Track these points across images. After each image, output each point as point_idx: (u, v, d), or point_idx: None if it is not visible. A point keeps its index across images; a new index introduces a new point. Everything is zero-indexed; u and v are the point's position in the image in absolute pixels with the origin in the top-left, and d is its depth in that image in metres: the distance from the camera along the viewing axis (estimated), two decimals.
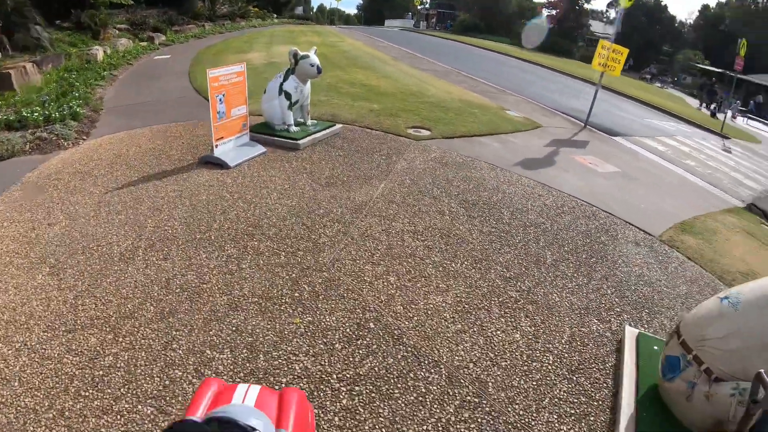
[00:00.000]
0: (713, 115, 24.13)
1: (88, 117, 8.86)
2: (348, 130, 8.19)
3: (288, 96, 7.19)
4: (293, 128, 7.40)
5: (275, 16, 37.85)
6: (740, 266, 5.61)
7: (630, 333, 3.86)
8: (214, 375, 3.12)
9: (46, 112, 8.12)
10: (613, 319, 4.18)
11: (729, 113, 23.89)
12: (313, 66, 7.00)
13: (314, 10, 62.65)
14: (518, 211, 5.94)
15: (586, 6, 52.02)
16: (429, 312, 3.93)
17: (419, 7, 60.85)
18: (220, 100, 6.39)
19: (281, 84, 7.20)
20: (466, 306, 4.06)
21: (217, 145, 6.49)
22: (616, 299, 4.48)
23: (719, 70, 39.84)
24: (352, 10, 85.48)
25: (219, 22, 25.16)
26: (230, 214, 5.17)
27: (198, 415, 1.71)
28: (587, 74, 22.18)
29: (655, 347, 3.62)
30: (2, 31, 12.04)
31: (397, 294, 4.10)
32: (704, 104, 27.77)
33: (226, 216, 5.13)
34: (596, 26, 55.19)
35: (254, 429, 1.45)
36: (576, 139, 9.98)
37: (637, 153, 10.38)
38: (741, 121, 26.92)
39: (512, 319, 3.97)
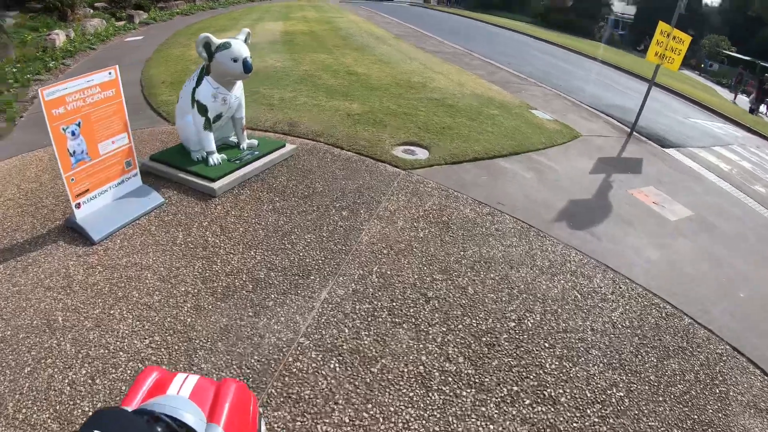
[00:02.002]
0: (752, 111, 20.37)
1: None
2: (306, 151, 5.53)
3: (202, 109, 4.53)
4: (214, 158, 4.78)
5: None
6: None
7: None
8: None
9: None
10: None
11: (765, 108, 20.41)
12: (236, 61, 4.31)
13: None
14: (571, 353, 3.26)
15: None
16: None
17: None
18: (73, 133, 3.83)
19: (193, 90, 4.58)
20: None
21: (79, 204, 3.98)
22: None
23: (748, 59, 35.65)
24: None
25: None
26: (41, 375, 2.70)
27: (133, 404, 1.59)
28: (616, 59, 19.09)
29: None
30: None
31: None
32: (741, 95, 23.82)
33: (33, 382, 2.66)
34: (618, 6, 50.70)
35: (183, 423, 1.41)
36: (627, 157, 7.14)
37: (701, 177, 7.30)
38: None
39: None
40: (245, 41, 4.43)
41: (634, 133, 8.17)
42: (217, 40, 4.28)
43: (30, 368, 2.77)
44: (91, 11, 14.14)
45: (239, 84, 4.68)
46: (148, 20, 16.02)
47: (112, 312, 3.24)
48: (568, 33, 32.59)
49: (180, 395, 1.60)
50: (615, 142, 7.57)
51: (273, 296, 3.40)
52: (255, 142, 5.12)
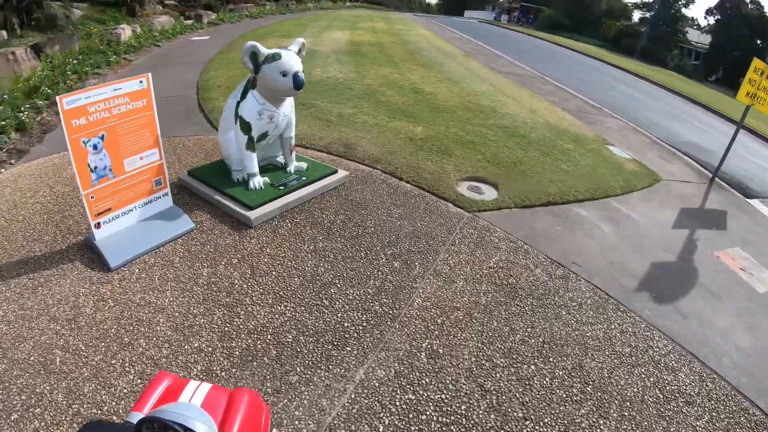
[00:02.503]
0: None
1: (44, 125, 6.05)
2: (360, 179, 4.88)
3: (246, 127, 3.96)
4: (256, 182, 4.18)
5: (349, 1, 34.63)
6: None
7: None
8: None
9: None
10: None
11: None
12: (285, 75, 3.70)
13: None
14: None
15: (683, 11, 45.33)
16: None
17: (501, 0, 56.31)
18: (95, 147, 3.32)
19: (237, 104, 4.00)
20: None
21: (99, 224, 3.47)
22: None
23: None
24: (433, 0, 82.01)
25: (283, 2, 22.20)
26: (27, 427, 2.12)
27: (145, 410, 1.62)
28: (692, 91, 17.69)
29: None
30: (23, 9, 9.53)
31: None
32: None
33: None
34: (692, 35, 48.29)
35: None
36: (710, 208, 6.15)
37: None
38: None
39: None
40: (298, 53, 3.83)
41: (716, 179, 7.13)
42: (265, 50, 3.71)
43: (17, 415, 2.34)
44: (161, 8, 14.12)
45: (290, 100, 4.07)
46: (216, 21, 15.96)
47: (113, 362, 2.70)
48: (640, 59, 31.00)
49: (192, 403, 1.57)
50: (696, 189, 6.57)
51: (299, 369, 2.73)
52: (304, 165, 4.49)
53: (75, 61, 8.82)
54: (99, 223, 3.54)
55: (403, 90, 8.34)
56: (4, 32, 8.84)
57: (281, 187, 4.16)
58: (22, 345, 2.73)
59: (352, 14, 25.75)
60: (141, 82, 3.42)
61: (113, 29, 11.04)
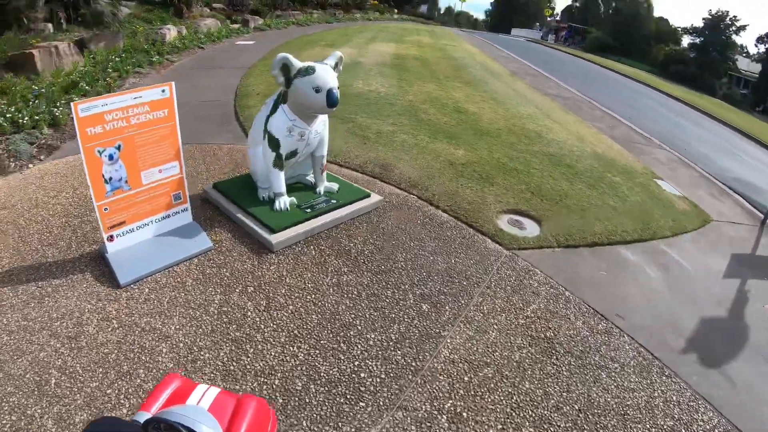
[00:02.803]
0: None
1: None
2: (394, 204, 4.54)
3: (274, 143, 3.69)
4: (282, 202, 3.90)
5: (396, 11, 34.57)
6: None
7: None
8: None
9: (20, 114, 5.74)
10: None
11: None
12: (319, 92, 3.39)
13: (441, 11, 59.48)
14: None
15: (734, 37, 43.81)
16: None
17: (549, 19, 55.61)
18: (111, 157, 3.09)
19: (267, 119, 3.73)
20: None
21: (112, 237, 3.23)
22: None
23: None
24: (480, 15, 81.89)
25: (330, 11, 22.22)
26: None
27: (152, 410, 1.61)
28: (741, 123, 16.84)
29: None
30: (70, 4, 9.63)
31: None
32: None
33: None
34: (741, 62, 46.63)
35: None
36: (762, 255, 5.56)
37: None
38: None
39: None
40: (335, 67, 3.53)
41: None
42: (298, 63, 3.43)
43: None
44: (208, 11, 14.18)
45: (323, 117, 3.77)
46: (262, 26, 15.98)
47: (109, 392, 2.46)
48: (688, 86, 29.94)
49: (199, 406, 1.57)
50: (747, 232, 6.01)
51: (305, 424, 2.42)
52: (335, 186, 4.19)
53: (118, 59, 8.78)
54: (112, 236, 3.35)
55: (446, 109, 8.00)
56: (50, 26, 8.90)
57: (308, 210, 3.86)
58: (20, 360, 2.55)
59: (399, 27, 25.62)
60: (163, 91, 3.19)
61: (159, 29, 11.06)
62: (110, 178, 3.20)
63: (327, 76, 3.39)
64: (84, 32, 9.45)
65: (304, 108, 3.51)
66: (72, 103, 2.90)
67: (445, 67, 12.80)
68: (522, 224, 4.53)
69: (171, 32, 11.44)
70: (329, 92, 3.34)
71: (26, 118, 5.79)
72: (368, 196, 4.24)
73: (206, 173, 4.84)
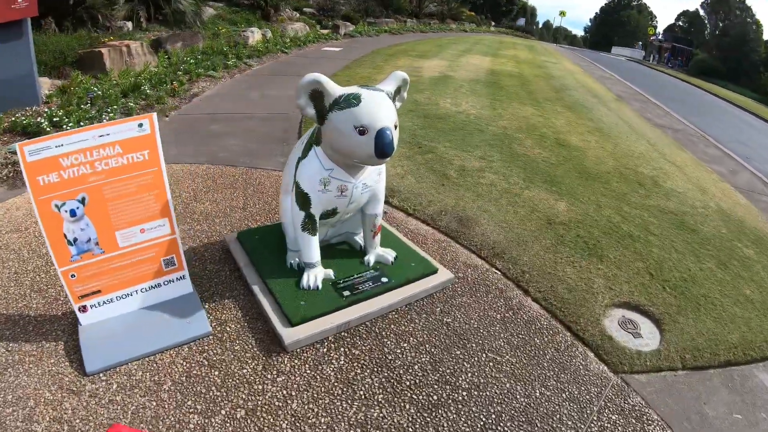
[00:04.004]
0: None
1: None
2: (469, 284, 3.26)
3: (302, 199, 2.58)
4: (311, 278, 2.76)
5: (492, 24, 33.03)
6: None
7: None
8: None
9: (66, 120, 5.23)
10: None
11: None
12: (363, 133, 2.19)
13: (539, 25, 57.22)
14: None
15: None
16: None
17: (651, 38, 51.65)
18: (72, 213, 2.14)
19: (297, 163, 2.62)
20: None
21: (84, 308, 2.37)
22: None
23: None
24: (579, 32, 78.49)
25: (425, 21, 21.19)
26: None
27: None
28: None
29: None
30: (151, 2, 9.26)
31: None
32: None
33: None
34: None
35: None
36: None
37: None
38: None
39: None
40: (395, 95, 2.36)
41: None
42: (335, 88, 2.29)
43: None
44: (297, 15, 13.53)
45: (381, 166, 2.62)
46: (353, 33, 15.19)
47: None
48: None
49: None
50: None
51: None
52: (390, 256, 3.01)
53: (192, 61, 8.14)
54: (85, 306, 2.42)
55: (545, 140, 6.62)
56: (129, 24, 8.43)
57: (346, 293, 2.71)
58: None
59: (496, 39, 24.14)
60: (141, 125, 2.18)
61: (242, 31, 10.44)
62: (75, 239, 2.29)
63: (378, 109, 2.22)
64: (164, 31, 8.95)
65: (342, 155, 2.36)
66: (17, 144, 1.99)
67: (544, 87, 11.32)
68: (637, 327, 3.15)
69: (254, 35, 10.82)
70: (380, 135, 2.17)
71: (70, 124, 5.11)
72: (435, 272, 3.02)
73: (242, 211, 3.86)
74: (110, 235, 2.39)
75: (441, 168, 5.01)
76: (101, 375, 2.28)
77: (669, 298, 3.45)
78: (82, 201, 2.28)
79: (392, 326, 2.72)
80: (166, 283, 2.66)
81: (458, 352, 2.62)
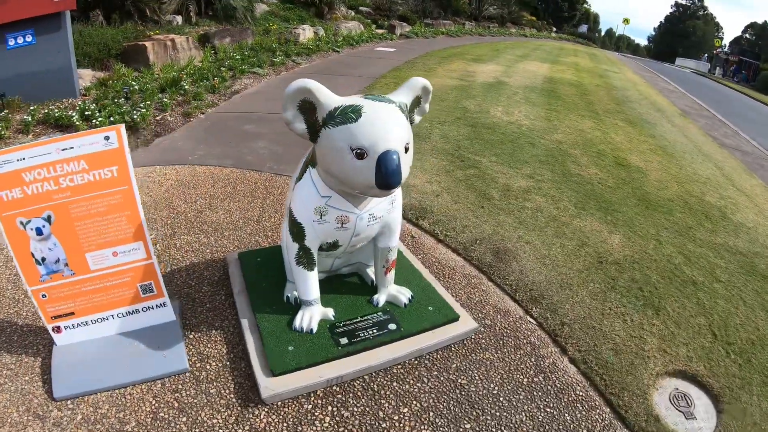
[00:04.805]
0: None
1: (162, 125, 5.14)
2: (494, 336, 2.74)
3: (296, 230, 2.13)
4: (306, 319, 2.33)
5: (554, 29, 31.82)
6: None
7: None
8: None
9: (98, 114, 5.09)
10: None
11: None
12: (362, 157, 1.70)
13: (601, 32, 55.18)
14: None
15: None
16: None
17: (717, 50, 48.65)
18: (39, 231, 1.80)
19: (295, 184, 2.18)
20: None
21: (58, 328, 2.10)
22: None
23: None
24: (642, 41, 75.46)
25: (484, 24, 20.49)
26: None
27: None
28: None
29: None
30: None
31: None
32: None
33: None
34: None
35: None
36: None
37: None
38: None
39: None
40: (411, 108, 1.94)
41: None
42: (330, 98, 1.82)
43: None
44: (352, 14, 13.21)
45: (396, 194, 2.19)
46: (409, 34, 14.76)
47: None
48: None
49: None
50: None
51: None
52: (404, 297, 2.55)
53: (238, 57, 7.92)
54: (59, 327, 2.14)
55: (603, 158, 5.97)
56: (179, 18, 8.31)
57: (343, 340, 2.27)
58: None
59: (557, 46, 23.12)
60: (107, 138, 1.84)
61: (293, 28, 10.19)
62: (42, 259, 2.00)
63: (382, 126, 1.73)
64: (214, 26, 8.79)
65: (339, 182, 1.90)
66: None
67: (604, 98, 10.53)
68: (691, 405, 2.56)
69: (306, 32, 10.56)
70: (383, 160, 1.69)
71: (100, 119, 4.93)
72: (456, 320, 2.54)
73: (255, 224, 3.50)
74: (80, 257, 2.09)
75: (483, 186, 4.50)
76: (68, 403, 2.06)
77: (732, 367, 2.83)
78: (48, 219, 2.00)
79: (395, 383, 2.26)
80: (144, 309, 2.33)
81: (468, 426, 2.14)
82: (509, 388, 2.32)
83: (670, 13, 67.81)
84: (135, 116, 5.16)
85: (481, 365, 2.41)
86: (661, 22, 70.36)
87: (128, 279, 2.19)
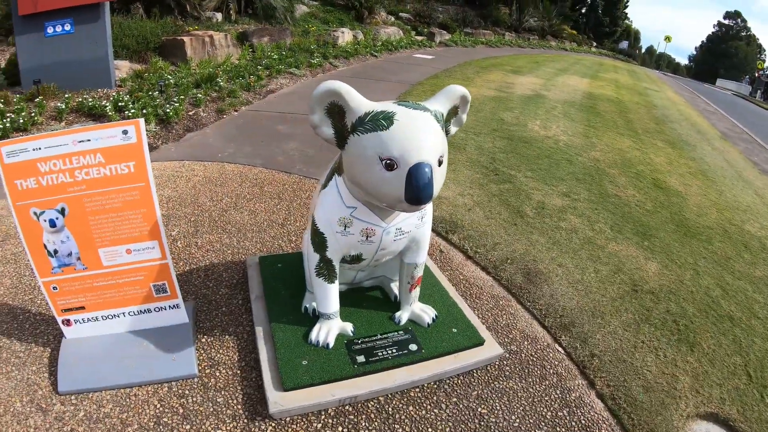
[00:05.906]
0: None
1: (194, 120, 5.13)
2: (520, 362, 2.58)
3: (318, 240, 2.01)
4: (323, 333, 2.21)
5: (594, 44, 31.22)
6: None
7: None
8: None
9: (132, 106, 5.12)
10: None
11: None
12: (392, 168, 1.55)
13: (642, 49, 54.01)
14: None
15: None
16: None
17: (759, 73, 46.94)
18: (52, 223, 1.71)
19: (320, 192, 2.05)
20: None
21: (68, 321, 2.02)
22: None
23: None
24: (682, 60, 73.65)
25: (524, 36, 20.19)
26: None
27: None
28: None
29: None
30: None
31: None
32: None
33: None
34: None
35: None
36: None
37: None
38: None
39: None
40: (448, 117, 1.81)
41: None
42: (361, 103, 1.68)
43: None
44: (392, 19, 13.13)
45: (426, 207, 2.05)
46: (448, 42, 14.63)
47: None
48: None
49: None
50: None
51: None
52: (427, 317, 2.40)
53: (275, 56, 7.91)
54: (69, 320, 2.07)
55: (642, 180, 5.72)
56: (219, 15, 8.35)
57: (360, 358, 2.14)
58: None
59: (596, 61, 22.65)
60: (125, 132, 1.74)
61: (333, 31, 10.15)
62: (55, 251, 1.93)
63: (416, 136, 1.58)
64: (253, 25, 8.82)
65: (365, 193, 1.76)
66: None
67: (644, 118, 10.18)
68: None
69: (345, 35, 10.52)
70: (414, 173, 1.55)
71: (133, 110, 4.93)
72: (481, 344, 2.38)
73: (279, 227, 3.40)
74: (93, 252, 2.02)
75: (517, 203, 4.33)
76: (72, 397, 2.00)
77: (766, 413, 2.60)
78: (62, 211, 1.94)
79: (410, 408, 2.12)
80: (157, 309, 2.25)
81: None
82: (531, 421, 2.15)
83: (713, 32, 66.14)
84: (168, 110, 5.14)
85: (504, 394, 2.25)
86: (703, 41, 68.68)
87: (141, 278, 2.11)
